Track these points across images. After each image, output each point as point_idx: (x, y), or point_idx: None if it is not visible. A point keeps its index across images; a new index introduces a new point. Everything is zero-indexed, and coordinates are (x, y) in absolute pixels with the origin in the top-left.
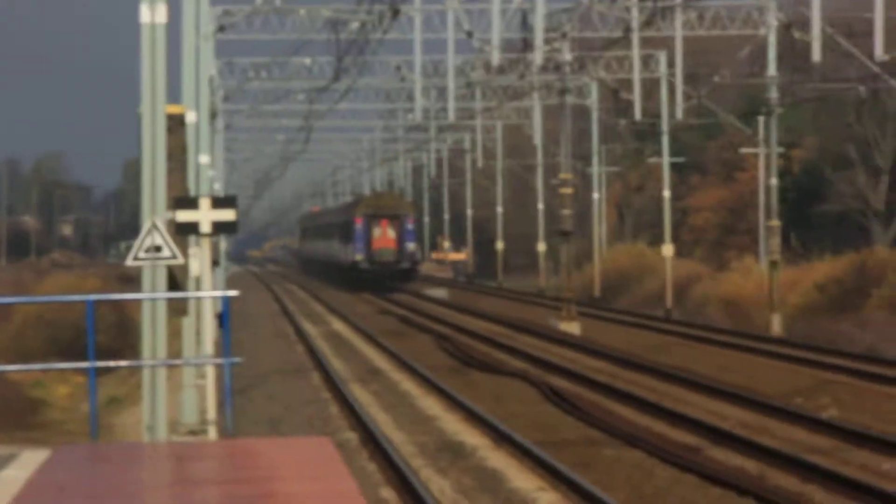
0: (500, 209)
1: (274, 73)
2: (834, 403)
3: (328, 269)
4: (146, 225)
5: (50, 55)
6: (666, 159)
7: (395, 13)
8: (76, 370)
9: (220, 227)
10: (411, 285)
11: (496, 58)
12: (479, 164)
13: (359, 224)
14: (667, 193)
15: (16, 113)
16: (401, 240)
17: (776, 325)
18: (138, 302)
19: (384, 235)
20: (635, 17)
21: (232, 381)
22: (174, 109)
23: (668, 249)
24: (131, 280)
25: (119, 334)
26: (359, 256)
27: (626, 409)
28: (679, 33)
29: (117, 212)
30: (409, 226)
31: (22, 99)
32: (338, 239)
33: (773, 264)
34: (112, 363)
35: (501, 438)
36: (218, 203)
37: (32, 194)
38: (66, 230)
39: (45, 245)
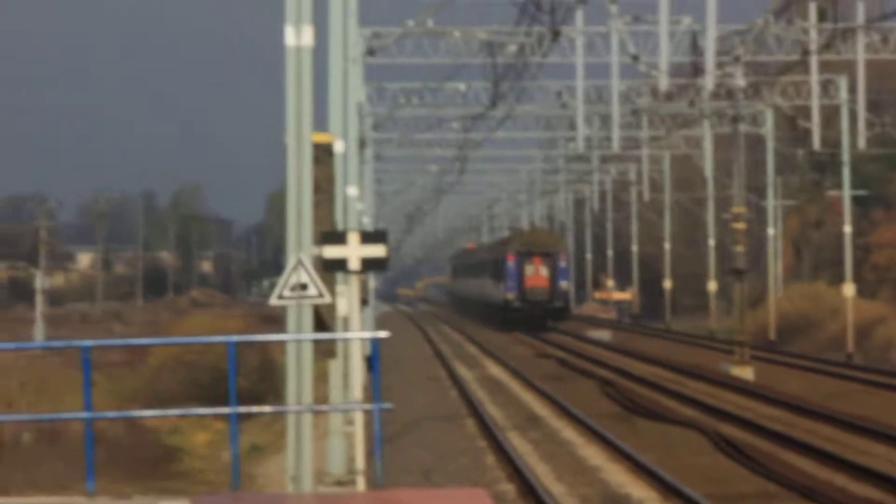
0: (667, 245)
1: (426, 99)
2: None
3: (480, 307)
4: (291, 261)
5: (191, 81)
6: (847, 192)
7: (556, 35)
8: (216, 416)
9: (369, 264)
10: (572, 326)
11: (664, 83)
12: (646, 197)
13: (511, 261)
14: (848, 229)
15: (153, 144)
16: (553, 278)
17: None
18: (282, 344)
19: (537, 273)
20: (814, 40)
21: (382, 428)
22: (321, 138)
23: (849, 289)
24: (275, 320)
25: (262, 378)
26: (511, 295)
27: (805, 460)
28: (861, 56)
29: (259, 247)
30: (563, 263)
31: (159, 129)
32: (490, 277)
33: None
34: (255, 409)
35: (670, 491)
36: (367, 238)
37: (170, 229)
38: (206, 267)
39: (184, 282)
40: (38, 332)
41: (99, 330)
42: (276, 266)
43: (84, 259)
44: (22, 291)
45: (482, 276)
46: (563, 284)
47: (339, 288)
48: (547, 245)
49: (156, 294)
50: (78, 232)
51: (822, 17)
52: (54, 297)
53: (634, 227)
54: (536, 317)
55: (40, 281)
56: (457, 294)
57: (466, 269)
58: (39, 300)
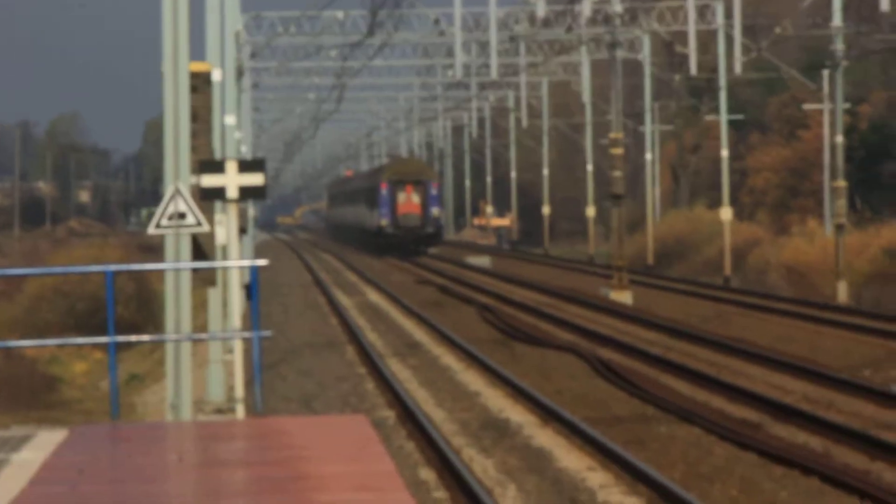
0: (546, 171)
1: (304, 28)
2: None
3: (355, 234)
4: (169, 190)
5: (65, 10)
6: (724, 117)
7: None
8: (95, 346)
9: (247, 193)
10: (452, 253)
11: (541, 9)
12: (524, 123)
13: (384, 190)
14: (725, 153)
15: (28, 73)
16: (425, 205)
17: (842, 293)
18: (161, 273)
19: (409, 201)
20: None
21: (261, 355)
22: (198, 67)
23: (726, 213)
24: (154, 249)
25: (140, 307)
26: (384, 221)
27: (682, 382)
28: None
29: (138, 177)
30: (434, 191)
31: (34, 58)
32: (364, 204)
33: (838, 228)
34: (133, 338)
35: (549, 415)
36: (245, 167)
37: (47, 159)
38: (84, 197)
39: (62, 213)
40: None
41: None
42: (154, 196)
43: None
44: None
45: (357, 203)
46: (435, 211)
47: (218, 216)
48: (419, 174)
49: (33, 225)
50: None
51: None
52: None
53: (513, 154)
54: (409, 242)
55: None
56: (333, 221)
57: (342, 197)
58: None
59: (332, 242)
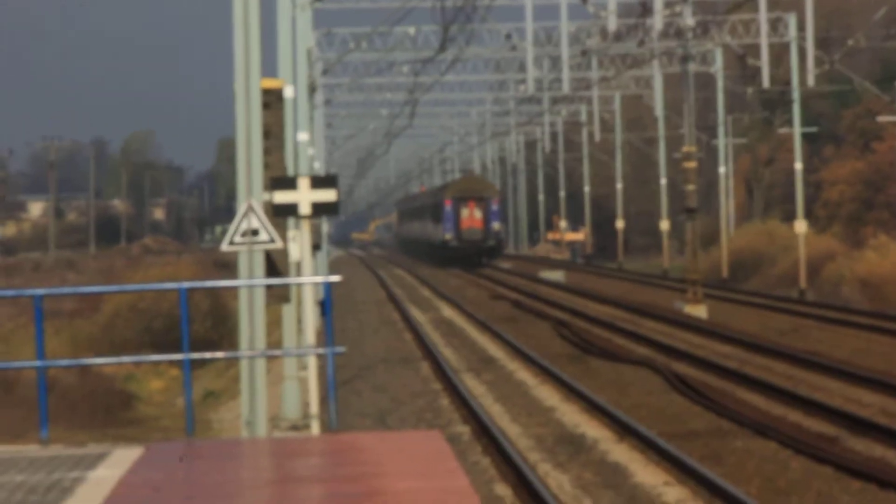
0: (619, 185)
1: (376, 44)
2: None
3: (422, 247)
4: (242, 207)
5: (139, 27)
6: (797, 129)
7: None
8: (171, 363)
9: (320, 209)
10: (527, 268)
11: (613, 23)
12: (597, 137)
13: (448, 206)
14: (798, 166)
15: (104, 90)
16: (486, 220)
17: None
18: (235, 290)
19: (471, 216)
20: None
21: (335, 372)
22: (270, 84)
23: (800, 226)
24: (228, 266)
25: (216, 324)
26: (448, 235)
27: (758, 397)
28: None
29: (212, 194)
30: (494, 207)
31: (110, 75)
32: (430, 219)
33: None
34: (208, 355)
35: (624, 430)
36: (318, 183)
37: (121, 177)
38: (158, 214)
39: (136, 230)
40: None
41: (52, 278)
42: (228, 212)
43: (36, 208)
44: None
45: (424, 219)
46: (495, 225)
47: (291, 233)
48: (480, 190)
49: (108, 242)
50: (29, 181)
51: None
52: (7, 247)
53: (586, 168)
54: (471, 255)
55: None
56: (402, 236)
57: (410, 213)
58: None
59: (402, 256)
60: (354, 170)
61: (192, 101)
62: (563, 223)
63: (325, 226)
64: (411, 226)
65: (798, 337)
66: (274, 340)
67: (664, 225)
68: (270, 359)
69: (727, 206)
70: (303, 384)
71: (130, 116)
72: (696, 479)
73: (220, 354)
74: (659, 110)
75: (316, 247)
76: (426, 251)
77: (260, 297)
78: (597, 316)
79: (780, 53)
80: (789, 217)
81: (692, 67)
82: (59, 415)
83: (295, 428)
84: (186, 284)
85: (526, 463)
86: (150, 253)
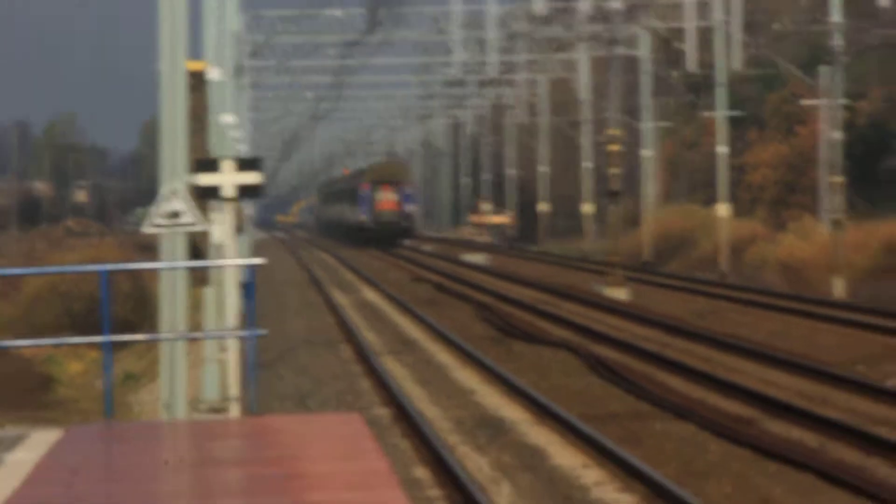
0: (543, 169)
1: (303, 27)
2: None
3: (341, 229)
4: (165, 189)
5: (61, 8)
6: (722, 113)
7: None
8: (90, 345)
9: (244, 191)
10: (449, 251)
11: (540, 6)
12: (522, 121)
13: (365, 189)
14: (722, 149)
15: (26, 73)
16: (401, 203)
17: (838, 289)
18: (157, 272)
19: (386, 199)
20: None
21: (256, 354)
22: (195, 66)
23: (723, 209)
24: (151, 249)
25: (137, 306)
26: (364, 217)
27: (677, 379)
28: None
29: (135, 176)
30: (408, 191)
31: (32, 57)
32: (348, 203)
33: (835, 224)
34: (128, 337)
35: (543, 412)
36: (242, 165)
37: (44, 158)
38: (81, 196)
39: (59, 212)
40: None
41: None
42: (151, 195)
43: None
44: None
45: (342, 202)
46: (409, 208)
47: (214, 215)
48: (395, 175)
49: (31, 224)
50: None
51: None
52: None
53: (511, 151)
54: (386, 235)
55: None
56: (322, 219)
57: (330, 196)
58: None
59: (323, 239)
60: (279, 152)
61: (117, 82)
62: (486, 206)
63: (249, 208)
64: (331, 209)
65: (717, 319)
66: (195, 323)
67: (587, 208)
68: (191, 341)
69: (650, 189)
70: (223, 367)
71: (54, 98)
72: (614, 461)
73: (140, 337)
74: (585, 94)
75: (239, 229)
76: (344, 232)
77: (181, 280)
78: (519, 298)
79: (705, 37)
80: (713, 201)
81: (618, 51)
82: None
83: (215, 410)
84: (108, 266)
85: (445, 446)
86: (73, 235)
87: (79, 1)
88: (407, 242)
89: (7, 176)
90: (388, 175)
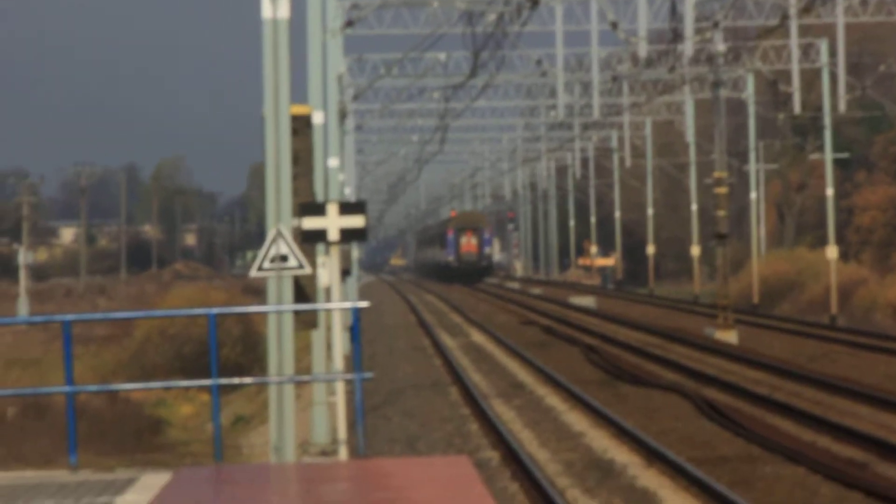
0: (650, 211)
1: (407, 70)
2: None
3: (432, 268)
4: (271, 233)
5: (170, 54)
6: (829, 155)
7: (535, 3)
8: (201, 388)
9: (348, 235)
10: (557, 293)
11: (644, 49)
12: (628, 163)
13: (450, 234)
14: (830, 192)
15: (134, 118)
16: (480, 245)
17: None
18: (265, 315)
19: (468, 243)
20: (793, 4)
21: (364, 397)
22: (300, 110)
23: (832, 252)
24: (258, 292)
25: (247, 350)
26: (450, 258)
27: (788, 422)
28: (841, 20)
29: (243, 220)
30: (486, 235)
31: (141, 103)
32: (437, 246)
33: None
34: (237, 380)
35: (653, 456)
36: (346, 209)
37: (153, 202)
38: (189, 240)
39: (167, 256)
40: (22, 307)
41: (83, 304)
42: (259, 238)
43: (67, 234)
44: (6, 267)
45: (434, 246)
46: (487, 250)
47: (320, 259)
48: (475, 222)
49: (140, 268)
50: (61, 207)
51: None
52: (38, 273)
53: (617, 194)
54: (468, 274)
55: (24, 256)
56: (418, 259)
57: (423, 241)
58: (23, 276)
59: (420, 277)
60: (385, 195)
61: (224, 126)
62: (593, 248)
63: (356, 251)
64: (424, 252)
65: (828, 363)
66: (304, 366)
67: (695, 250)
68: (300, 384)
69: (758, 231)
70: (331, 410)
71: (161, 142)
72: None
73: (248, 380)
74: (690, 136)
75: (345, 272)
76: (434, 270)
77: (288, 323)
78: (627, 341)
79: (811, 79)
80: (820, 243)
81: (723, 93)
82: (88, 440)
83: (324, 453)
84: (215, 310)
85: (554, 488)
86: (182, 278)
87: (190, 44)
88: (514, 286)
89: (116, 220)
90: (470, 222)
